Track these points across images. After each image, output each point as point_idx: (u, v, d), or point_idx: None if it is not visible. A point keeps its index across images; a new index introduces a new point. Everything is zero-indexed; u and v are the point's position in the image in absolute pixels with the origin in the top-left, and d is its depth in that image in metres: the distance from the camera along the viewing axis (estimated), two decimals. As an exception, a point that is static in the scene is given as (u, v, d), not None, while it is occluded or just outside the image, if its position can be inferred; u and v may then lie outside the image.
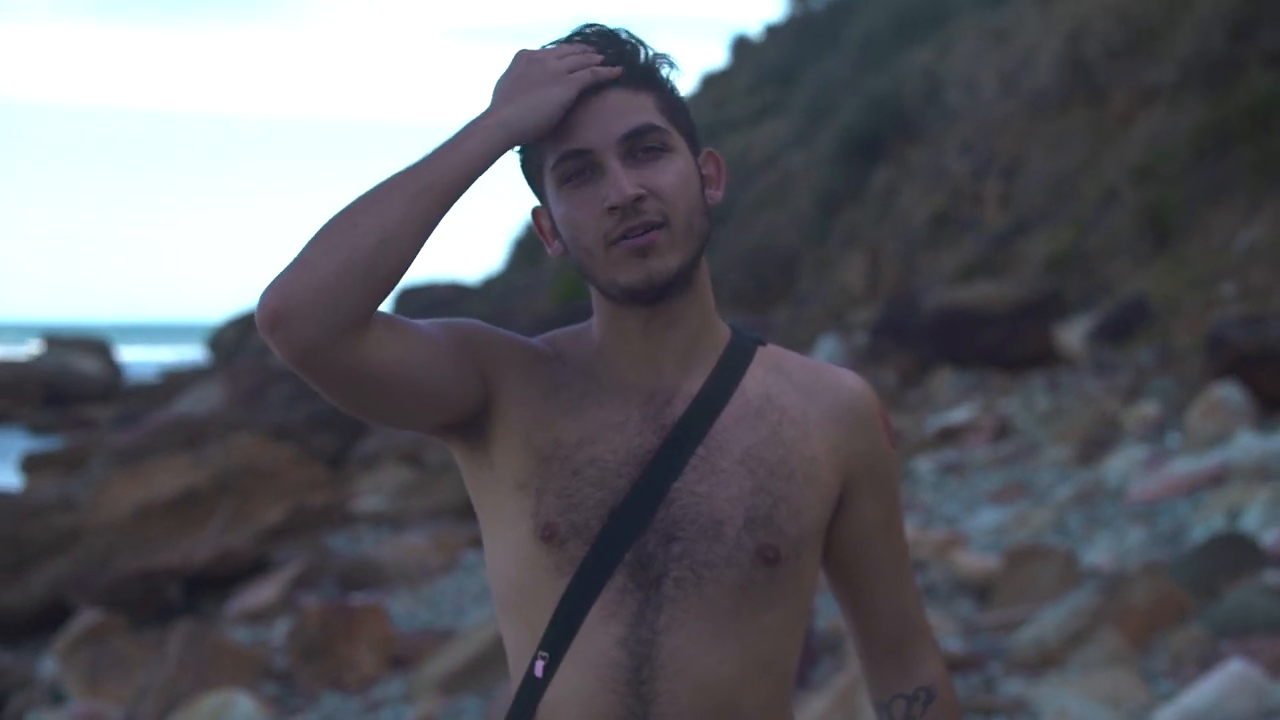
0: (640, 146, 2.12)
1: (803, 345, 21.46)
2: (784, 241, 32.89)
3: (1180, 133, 21.42)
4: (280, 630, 10.63)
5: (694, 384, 2.19)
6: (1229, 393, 12.30)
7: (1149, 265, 19.90)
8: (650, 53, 2.20)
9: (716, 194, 2.21)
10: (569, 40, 2.20)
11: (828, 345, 22.02)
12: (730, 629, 2.11)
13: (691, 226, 2.13)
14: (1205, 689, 6.33)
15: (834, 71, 38.50)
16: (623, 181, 2.09)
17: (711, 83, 50.37)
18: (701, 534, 2.12)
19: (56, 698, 10.10)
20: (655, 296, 2.13)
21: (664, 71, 2.20)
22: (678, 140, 2.16)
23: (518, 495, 2.17)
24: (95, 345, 46.48)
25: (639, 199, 2.09)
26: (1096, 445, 13.28)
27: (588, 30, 2.21)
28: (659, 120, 2.14)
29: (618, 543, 2.11)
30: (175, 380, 39.16)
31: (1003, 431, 15.04)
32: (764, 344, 2.26)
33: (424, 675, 8.89)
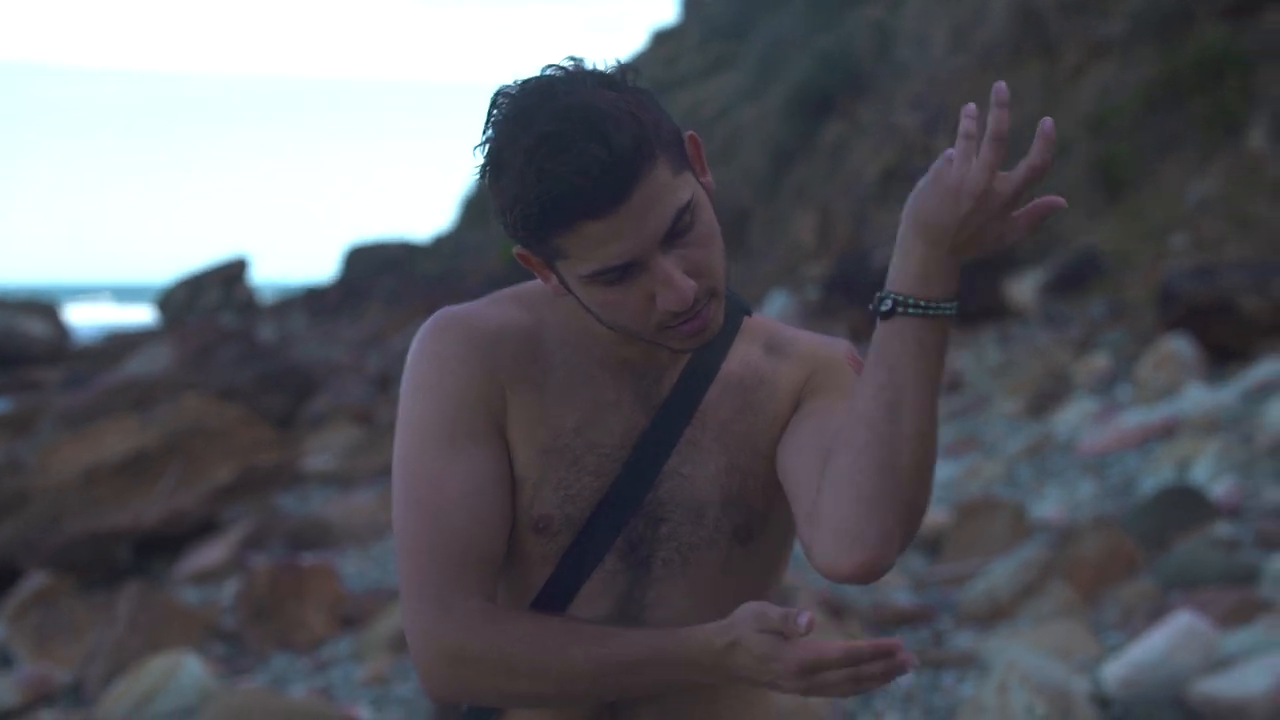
0: (677, 229, 1.95)
1: (754, 301, 21.41)
2: (735, 197, 32.85)
3: (1131, 86, 21.45)
4: (229, 590, 10.55)
5: (681, 359, 2.12)
6: (1180, 345, 12.33)
7: (1100, 218, 19.94)
8: (641, 125, 1.91)
9: (709, 181, 2.04)
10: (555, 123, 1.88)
11: (779, 300, 21.99)
12: (712, 602, 2.08)
13: (726, 268, 2.02)
14: (1154, 641, 6.33)
15: (785, 27, 38.45)
16: (683, 286, 1.94)
17: (662, 39, 50.21)
18: (686, 516, 2.09)
19: (5, 661, 10.02)
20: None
21: (651, 119, 1.94)
22: (693, 188, 1.98)
23: (515, 489, 2.08)
24: (42, 307, 46.10)
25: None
26: (1047, 398, 13.31)
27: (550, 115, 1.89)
28: (682, 191, 1.95)
29: (608, 530, 2.08)
30: (123, 342, 38.91)
31: (953, 385, 15.06)
32: (749, 313, 2.19)
33: (374, 634, 8.84)
